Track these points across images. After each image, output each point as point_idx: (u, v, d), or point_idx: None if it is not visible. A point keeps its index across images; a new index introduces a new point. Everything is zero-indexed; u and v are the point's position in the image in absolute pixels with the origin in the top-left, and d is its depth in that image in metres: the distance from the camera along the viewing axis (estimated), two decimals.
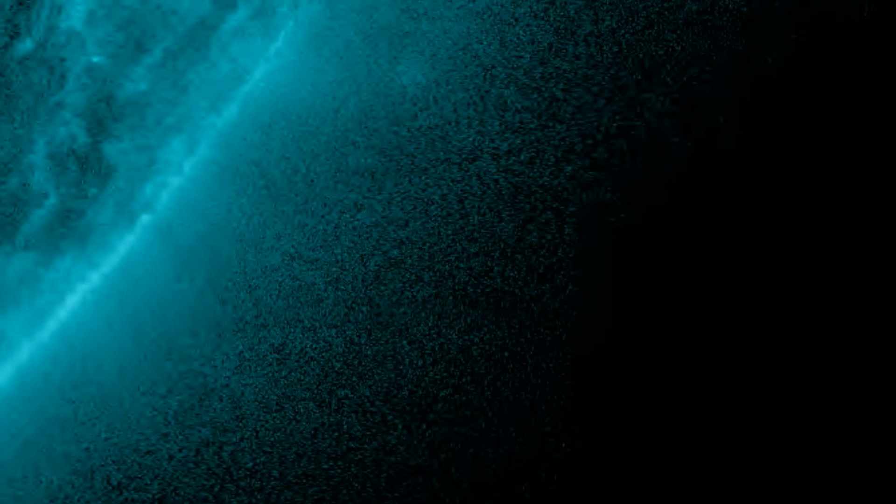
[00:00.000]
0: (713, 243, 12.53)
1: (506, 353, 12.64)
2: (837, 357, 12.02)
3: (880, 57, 12.81)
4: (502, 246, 13.01)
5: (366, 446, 12.71)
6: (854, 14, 13.01)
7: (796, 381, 12.06)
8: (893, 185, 12.43)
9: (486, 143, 13.33)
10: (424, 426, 12.65)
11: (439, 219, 13.12)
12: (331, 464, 12.71)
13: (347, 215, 13.30)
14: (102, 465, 13.01)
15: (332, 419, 12.83)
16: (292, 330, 13.24)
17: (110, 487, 12.93)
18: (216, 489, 12.89)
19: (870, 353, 12.02)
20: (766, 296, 12.33)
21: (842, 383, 11.89)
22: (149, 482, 12.98)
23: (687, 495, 12.04)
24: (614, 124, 13.15)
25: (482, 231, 13.11)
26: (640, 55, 13.25)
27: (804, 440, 11.80)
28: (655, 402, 12.27)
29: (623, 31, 13.33)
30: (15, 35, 11.50)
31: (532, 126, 13.36)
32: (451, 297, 12.94)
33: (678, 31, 13.24)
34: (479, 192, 13.21)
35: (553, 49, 13.52)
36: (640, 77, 13.25)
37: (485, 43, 13.60)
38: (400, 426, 12.72)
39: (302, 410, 12.85)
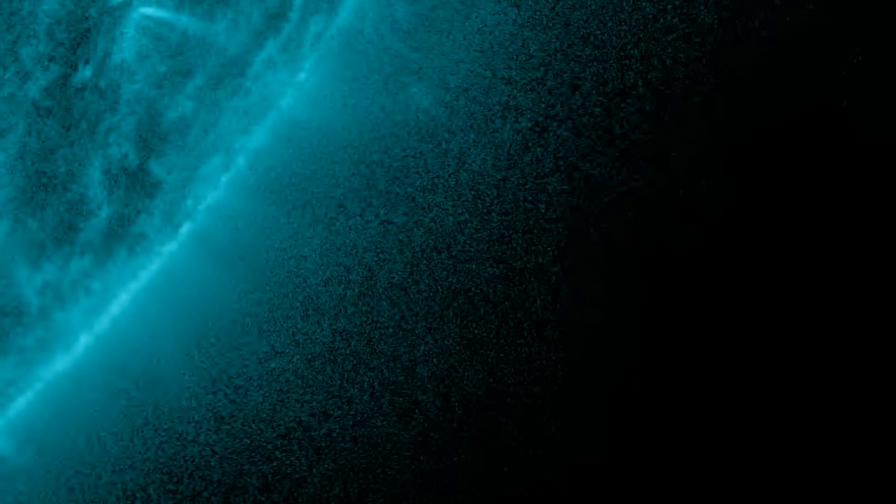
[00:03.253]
0: (707, 246, 12.34)
1: (505, 351, 12.59)
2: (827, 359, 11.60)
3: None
4: (504, 251, 12.97)
5: (380, 432, 12.63)
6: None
7: (785, 384, 11.71)
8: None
9: (489, 159, 13.31)
10: (430, 415, 12.63)
11: (446, 227, 13.18)
12: (348, 451, 12.59)
13: (365, 225, 13.33)
14: (147, 446, 12.98)
15: (353, 410, 12.80)
16: (314, 326, 13.19)
17: (153, 466, 12.91)
18: (240, 476, 12.79)
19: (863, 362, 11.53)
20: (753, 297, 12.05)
21: (835, 384, 11.51)
22: (183, 464, 12.87)
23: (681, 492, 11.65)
24: (613, 144, 12.99)
25: (486, 238, 13.06)
26: (642, 87, 13.11)
27: (799, 441, 11.43)
28: (649, 401, 12.01)
29: (624, 60, 13.27)
30: (74, 67, 11.38)
31: (530, 144, 13.29)
32: (458, 298, 12.93)
33: (675, 60, 13.10)
34: (482, 204, 13.18)
35: (549, 75, 13.45)
36: (640, 109, 13.05)
37: (486, 72, 13.58)
38: (408, 412, 12.71)
39: (319, 400, 12.88)
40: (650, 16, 13.35)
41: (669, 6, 13.28)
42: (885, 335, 11.57)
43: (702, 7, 13.21)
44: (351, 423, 12.78)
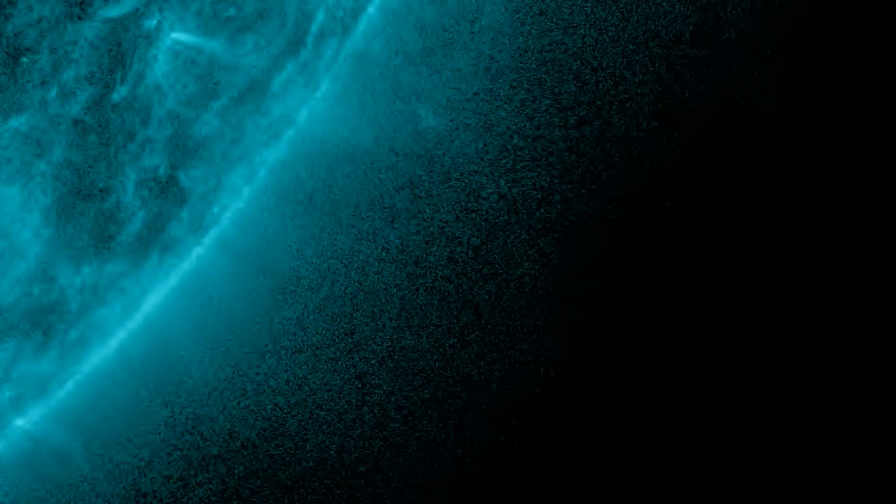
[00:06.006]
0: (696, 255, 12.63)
1: (507, 349, 12.96)
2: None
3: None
4: (501, 261, 13.26)
5: (396, 429, 12.94)
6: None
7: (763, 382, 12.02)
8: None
9: (490, 175, 13.54)
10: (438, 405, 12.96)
11: (450, 239, 13.48)
12: (362, 446, 12.91)
13: (376, 235, 13.58)
14: (175, 433, 13.25)
15: (366, 408, 13.05)
16: (328, 322, 13.42)
17: (179, 452, 13.18)
18: (257, 466, 13.00)
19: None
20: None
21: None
22: (206, 451, 13.13)
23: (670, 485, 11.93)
24: (615, 161, 13.26)
25: (485, 248, 13.37)
26: (644, 106, 13.32)
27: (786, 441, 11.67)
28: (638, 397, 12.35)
29: (627, 82, 13.49)
30: (111, 87, 11.38)
31: (529, 161, 13.55)
32: (458, 301, 13.20)
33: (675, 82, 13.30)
34: (483, 217, 13.48)
35: (547, 97, 13.70)
36: (647, 124, 13.24)
37: (490, 94, 13.84)
38: (412, 401, 13.00)
39: (335, 397, 13.10)
40: (654, 41, 13.56)
41: (676, 34, 13.49)
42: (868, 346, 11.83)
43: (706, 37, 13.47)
44: (365, 419, 12.99)
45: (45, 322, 12.21)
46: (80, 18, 10.79)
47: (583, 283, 12.98)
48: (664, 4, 13.56)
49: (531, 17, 14.01)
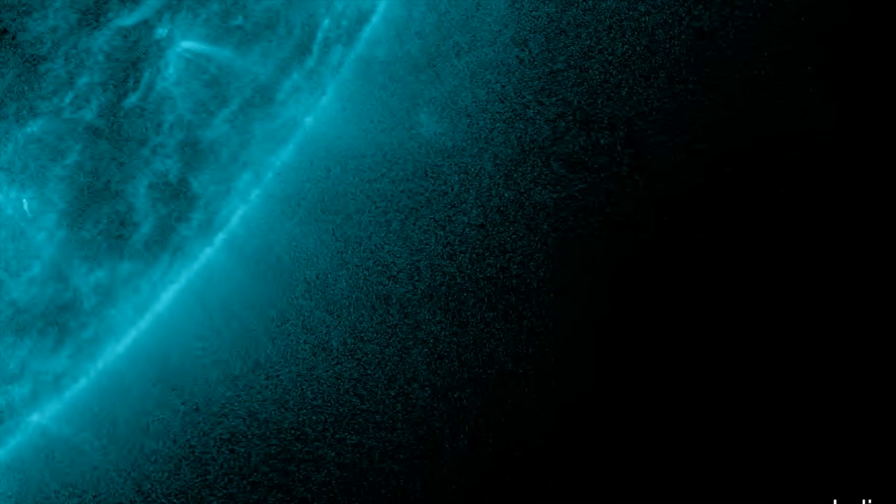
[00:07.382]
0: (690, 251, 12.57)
1: (505, 346, 12.93)
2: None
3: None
4: (504, 259, 13.26)
5: (396, 423, 12.99)
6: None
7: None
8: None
9: (493, 180, 13.61)
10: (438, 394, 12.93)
11: (447, 238, 13.52)
12: (362, 438, 12.95)
13: (378, 235, 13.63)
14: (184, 429, 13.30)
15: (368, 404, 13.07)
16: (332, 321, 13.48)
17: (188, 446, 13.24)
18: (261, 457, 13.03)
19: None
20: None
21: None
22: (214, 445, 13.17)
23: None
24: (611, 166, 13.24)
25: (487, 247, 13.40)
26: (638, 106, 13.29)
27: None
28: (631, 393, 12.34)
29: (620, 88, 13.46)
30: (124, 93, 11.45)
31: (524, 165, 13.58)
32: (456, 297, 13.25)
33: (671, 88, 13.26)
34: (485, 221, 13.51)
35: (542, 103, 13.71)
36: (638, 129, 13.19)
37: (488, 102, 13.90)
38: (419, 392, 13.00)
39: (341, 395, 13.13)
40: (647, 48, 13.56)
41: (677, 36, 13.50)
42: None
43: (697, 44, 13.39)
44: (368, 417, 13.03)
45: (59, 321, 12.32)
46: (94, 27, 10.89)
47: (585, 285, 13.04)
48: (665, 8, 13.61)
49: (533, 24, 14.03)
